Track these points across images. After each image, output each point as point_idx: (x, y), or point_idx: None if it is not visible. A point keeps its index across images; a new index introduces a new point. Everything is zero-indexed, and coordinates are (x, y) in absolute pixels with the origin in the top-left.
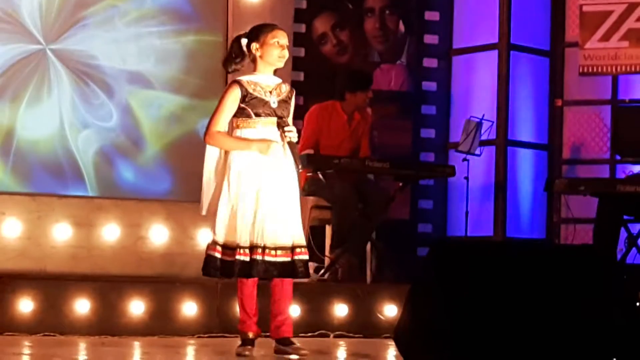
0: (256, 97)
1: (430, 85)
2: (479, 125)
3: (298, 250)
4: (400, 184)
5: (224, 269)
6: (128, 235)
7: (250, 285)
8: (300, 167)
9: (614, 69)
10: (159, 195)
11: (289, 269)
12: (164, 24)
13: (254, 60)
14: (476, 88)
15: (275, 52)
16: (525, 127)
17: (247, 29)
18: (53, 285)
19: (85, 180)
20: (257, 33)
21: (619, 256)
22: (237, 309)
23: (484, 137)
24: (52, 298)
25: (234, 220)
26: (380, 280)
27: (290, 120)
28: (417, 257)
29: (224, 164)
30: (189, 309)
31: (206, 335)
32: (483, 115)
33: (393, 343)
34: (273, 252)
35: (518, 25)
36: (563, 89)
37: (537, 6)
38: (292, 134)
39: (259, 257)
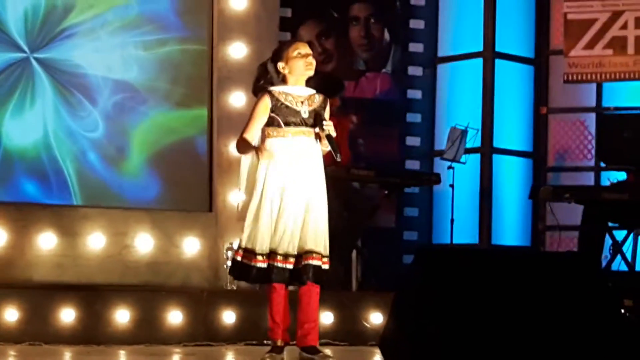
0: (286, 106)
1: (415, 93)
2: (464, 133)
3: (311, 255)
4: (386, 192)
5: (246, 273)
6: (113, 244)
7: (279, 292)
8: (339, 157)
9: (598, 77)
10: (145, 204)
11: (299, 274)
12: (148, 33)
13: (284, 79)
14: (461, 96)
15: (300, 63)
16: (510, 135)
17: (233, 38)
18: (38, 294)
19: (71, 189)
20: (279, 53)
21: (604, 263)
22: (223, 318)
23: (469, 145)
24: (37, 307)
25: (258, 226)
26: (366, 288)
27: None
28: (403, 265)
29: (253, 172)
30: (175, 317)
31: (192, 344)
32: (468, 123)
33: (379, 351)
34: (291, 259)
35: (503, 34)
36: (548, 96)
37: (521, 14)
38: (330, 127)
39: (286, 265)
